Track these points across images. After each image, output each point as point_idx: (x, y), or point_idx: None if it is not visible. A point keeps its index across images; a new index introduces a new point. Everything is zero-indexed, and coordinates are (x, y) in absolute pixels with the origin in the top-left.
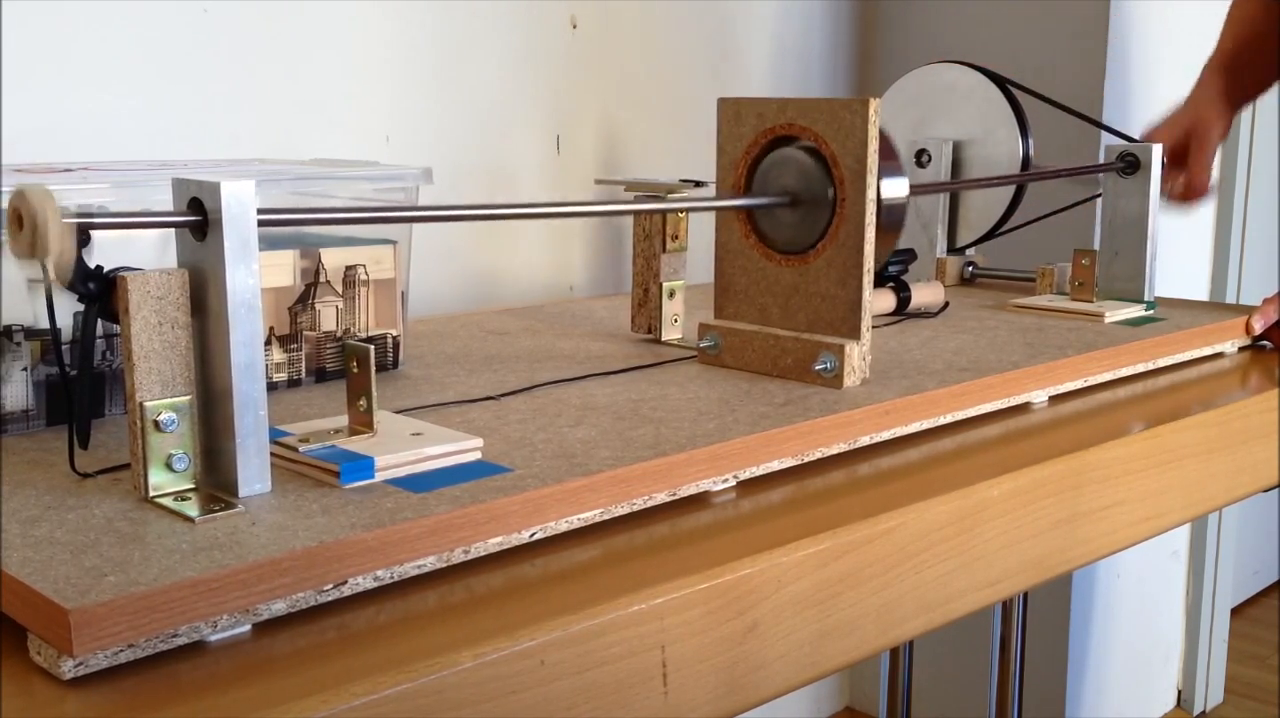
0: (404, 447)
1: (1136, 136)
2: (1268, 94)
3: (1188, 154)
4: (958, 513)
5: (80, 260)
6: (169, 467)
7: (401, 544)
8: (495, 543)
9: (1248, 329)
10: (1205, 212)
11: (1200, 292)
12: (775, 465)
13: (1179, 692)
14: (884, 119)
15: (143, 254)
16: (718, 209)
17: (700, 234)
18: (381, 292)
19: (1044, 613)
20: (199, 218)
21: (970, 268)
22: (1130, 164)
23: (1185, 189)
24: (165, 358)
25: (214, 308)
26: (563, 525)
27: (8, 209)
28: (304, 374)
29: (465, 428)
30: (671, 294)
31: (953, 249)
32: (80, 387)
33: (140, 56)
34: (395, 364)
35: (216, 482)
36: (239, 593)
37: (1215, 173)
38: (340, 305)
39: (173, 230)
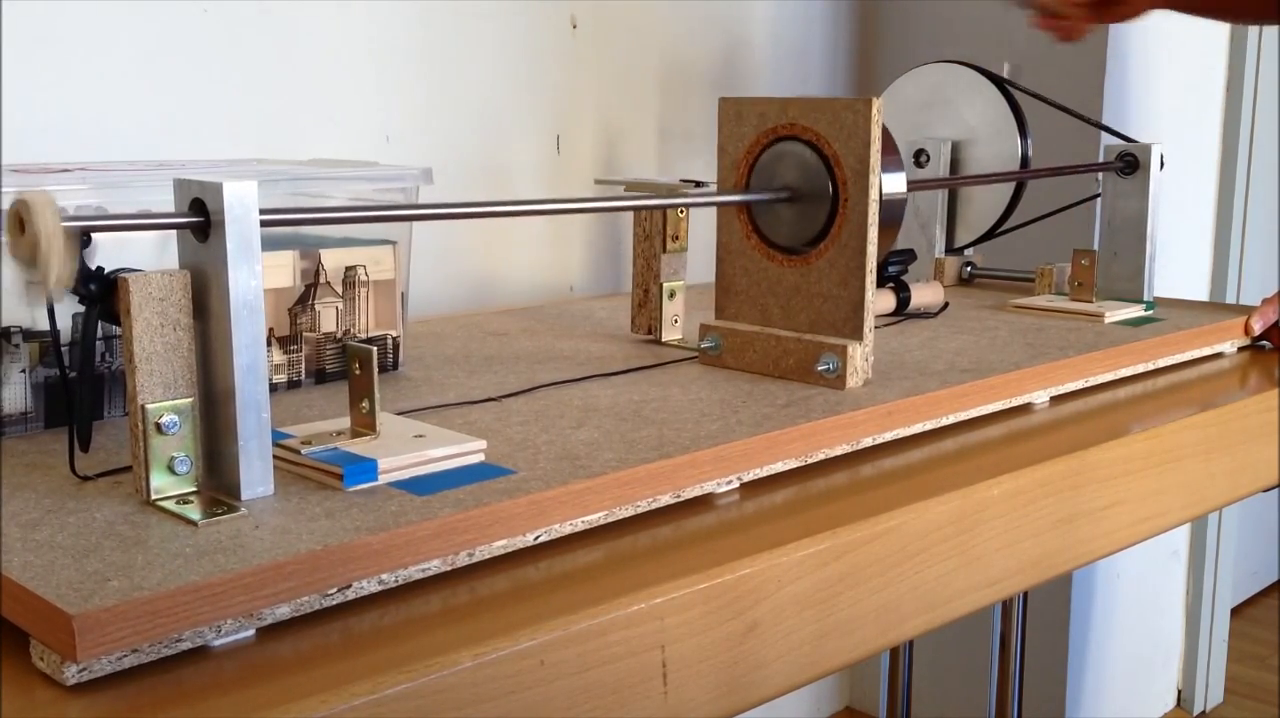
0: (407, 449)
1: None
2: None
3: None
4: (958, 513)
5: (81, 262)
6: (171, 469)
7: (406, 547)
8: (500, 546)
9: (1247, 330)
10: (1205, 212)
11: (1200, 292)
12: (779, 467)
13: (1179, 692)
14: (883, 118)
15: (142, 254)
16: (718, 204)
17: (700, 235)
18: (381, 292)
19: (1044, 613)
20: (201, 219)
21: (969, 268)
22: (1129, 164)
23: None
24: (167, 360)
25: (216, 309)
26: (567, 528)
27: (8, 214)
28: (304, 375)
29: (467, 430)
30: (672, 295)
31: (952, 249)
32: (80, 389)
33: (140, 56)
34: (395, 365)
35: (219, 485)
36: (243, 597)
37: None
38: (340, 306)
39: (173, 231)
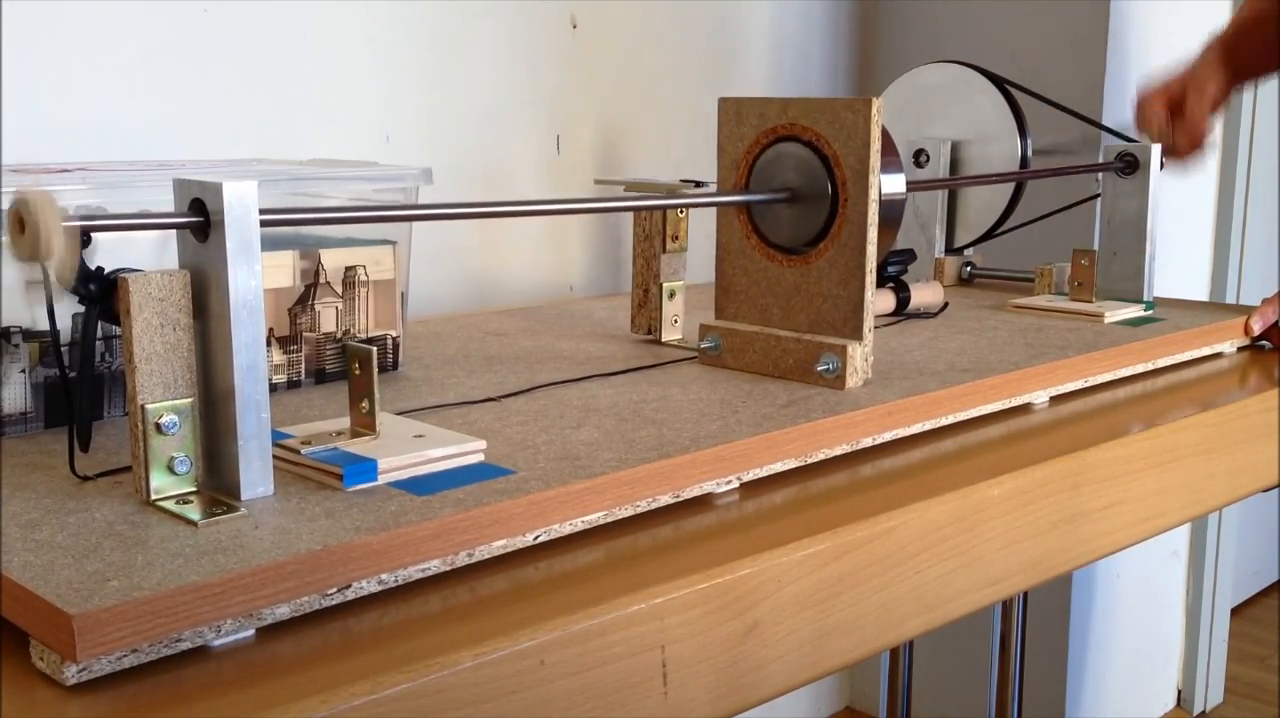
0: (407, 449)
1: (1134, 92)
2: (1265, 79)
3: (1185, 106)
4: (958, 513)
5: (81, 262)
6: (171, 470)
7: (406, 547)
8: (499, 546)
9: (1246, 330)
10: (1205, 212)
11: (1200, 292)
12: (778, 467)
13: (1179, 692)
14: (883, 119)
15: (142, 254)
16: (717, 204)
17: (700, 235)
18: (381, 292)
19: (1044, 613)
20: (201, 219)
21: (969, 268)
22: (1129, 164)
23: (1183, 140)
24: (167, 360)
25: (216, 309)
26: (566, 528)
27: (9, 213)
28: (303, 375)
29: (467, 430)
30: (671, 295)
31: (951, 249)
32: (80, 389)
33: (140, 56)
34: (395, 365)
35: (219, 485)
36: (242, 597)
37: (1215, 132)
38: (340, 306)
39: (173, 231)
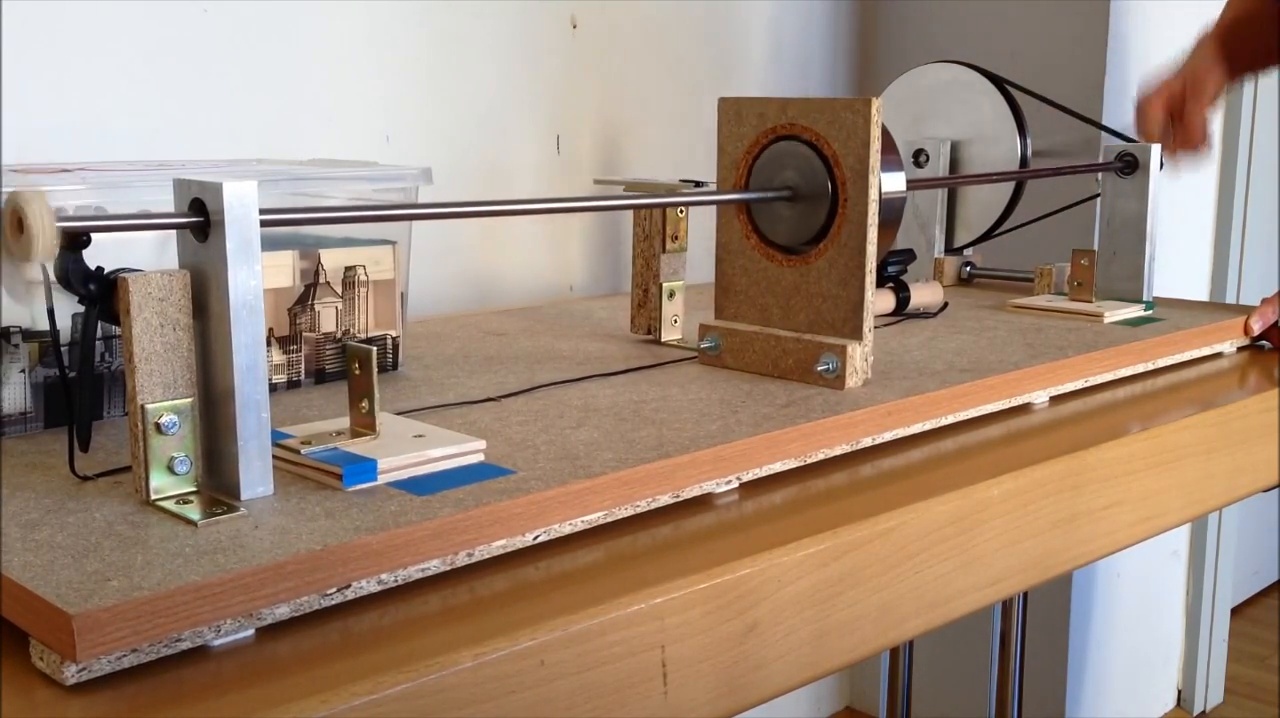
0: (407, 449)
1: (1134, 92)
2: (1264, 73)
3: (1184, 107)
4: (958, 513)
5: (81, 262)
6: (170, 470)
7: (405, 547)
8: (499, 546)
9: (1246, 330)
10: (1205, 212)
11: (1200, 292)
12: (778, 467)
13: (1179, 692)
14: (883, 119)
15: (142, 254)
16: (717, 204)
17: (700, 235)
18: (381, 292)
19: (1044, 613)
20: (201, 219)
21: (968, 268)
22: (1128, 164)
23: (1182, 140)
24: (167, 360)
25: (216, 309)
26: (566, 528)
27: (6, 214)
28: (303, 375)
29: (467, 430)
30: (671, 295)
31: (951, 249)
32: (80, 389)
33: (140, 56)
34: (395, 365)
35: (218, 485)
36: (242, 597)
37: (1214, 128)
38: (340, 306)
39: (173, 231)
